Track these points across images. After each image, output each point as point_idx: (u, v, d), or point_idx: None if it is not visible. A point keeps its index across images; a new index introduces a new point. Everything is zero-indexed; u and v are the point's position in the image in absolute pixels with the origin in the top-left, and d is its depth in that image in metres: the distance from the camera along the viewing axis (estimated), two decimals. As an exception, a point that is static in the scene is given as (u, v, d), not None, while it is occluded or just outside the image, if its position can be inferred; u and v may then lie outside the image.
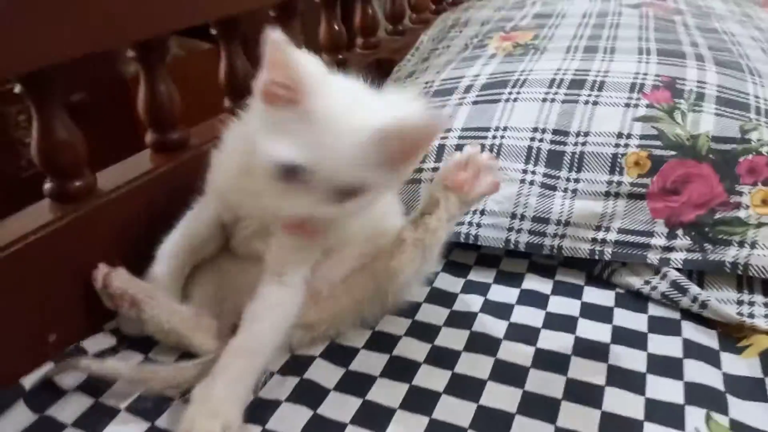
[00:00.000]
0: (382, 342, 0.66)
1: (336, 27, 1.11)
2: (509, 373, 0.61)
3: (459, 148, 0.83)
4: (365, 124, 0.48)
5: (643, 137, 0.77)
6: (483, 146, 0.82)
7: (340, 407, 0.57)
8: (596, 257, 0.75)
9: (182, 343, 0.61)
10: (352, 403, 0.58)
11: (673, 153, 0.75)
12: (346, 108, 0.49)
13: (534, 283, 0.76)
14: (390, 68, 1.21)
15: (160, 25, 0.69)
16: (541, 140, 0.81)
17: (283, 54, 0.46)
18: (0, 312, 0.58)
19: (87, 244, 0.64)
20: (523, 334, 0.67)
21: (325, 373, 0.61)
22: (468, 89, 0.92)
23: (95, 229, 0.65)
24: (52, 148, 0.63)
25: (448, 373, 0.61)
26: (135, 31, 0.66)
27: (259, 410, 0.57)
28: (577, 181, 0.77)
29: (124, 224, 0.67)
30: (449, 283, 0.77)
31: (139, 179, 0.70)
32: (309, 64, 0.49)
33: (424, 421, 0.56)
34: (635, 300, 0.72)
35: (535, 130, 0.81)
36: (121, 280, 0.61)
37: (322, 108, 0.48)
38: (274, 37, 0.46)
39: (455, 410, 0.57)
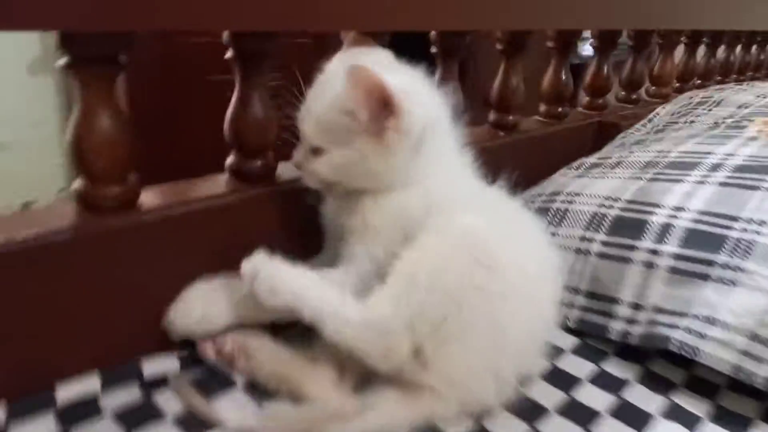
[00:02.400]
0: None
1: (563, 77, 1.00)
2: None
3: (693, 233, 0.66)
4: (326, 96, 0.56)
5: None
6: (724, 237, 0.63)
7: None
8: None
9: (297, 393, 0.53)
10: None
11: None
12: (316, 94, 0.57)
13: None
14: (613, 132, 1.06)
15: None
16: (815, 248, 0.60)
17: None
18: (160, 265, 0.56)
19: (256, 226, 0.60)
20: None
21: None
22: (716, 167, 0.74)
23: (267, 212, 0.60)
24: (245, 123, 0.60)
25: None
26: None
27: None
28: None
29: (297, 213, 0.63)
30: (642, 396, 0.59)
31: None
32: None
33: None
34: None
35: (809, 233, 0.61)
36: (231, 340, 0.56)
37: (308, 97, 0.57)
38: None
39: None
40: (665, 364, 0.64)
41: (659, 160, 0.79)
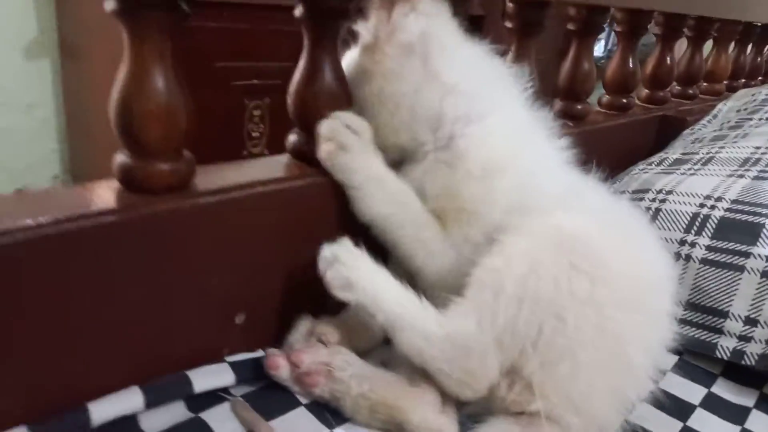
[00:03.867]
0: None
1: (630, 65, 0.92)
2: None
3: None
4: None
5: None
6: None
7: None
8: None
9: (395, 421, 0.44)
10: None
11: None
12: None
13: None
14: (678, 128, 0.98)
15: None
16: None
17: None
18: (217, 255, 0.46)
19: (316, 215, 0.51)
20: None
21: None
22: (831, 166, 0.66)
23: (335, 200, 0.51)
24: (315, 95, 0.50)
25: None
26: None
27: None
28: None
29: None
30: None
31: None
32: None
33: None
34: None
35: None
36: (310, 355, 0.46)
37: None
38: None
39: None
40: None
41: (759, 156, 0.71)
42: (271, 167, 0.51)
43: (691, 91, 1.16)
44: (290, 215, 0.50)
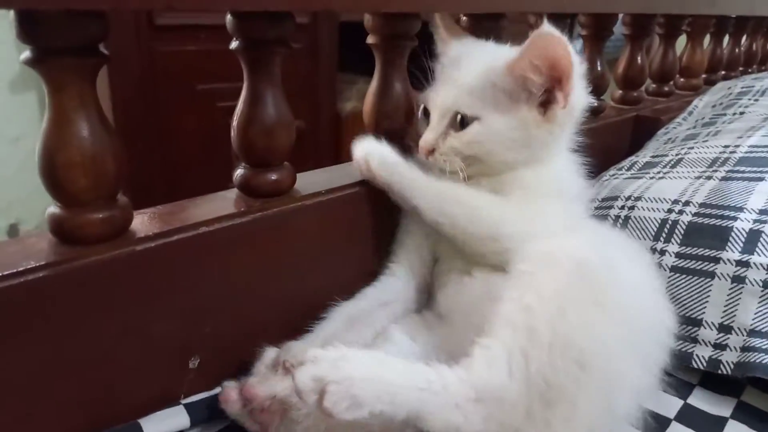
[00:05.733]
0: None
1: (598, 67, 0.91)
2: None
3: (786, 240, 0.56)
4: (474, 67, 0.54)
5: None
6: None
7: None
8: None
9: None
10: None
11: None
12: (459, 70, 0.55)
13: None
14: (651, 128, 0.97)
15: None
16: None
17: None
18: (160, 304, 0.44)
19: (268, 250, 0.49)
20: None
21: None
22: (799, 162, 0.64)
23: (281, 233, 0.50)
24: (256, 128, 0.49)
25: None
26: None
27: None
28: None
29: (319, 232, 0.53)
30: None
31: (344, 189, 0.55)
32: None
33: None
34: None
35: None
36: (264, 391, 0.43)
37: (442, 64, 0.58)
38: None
39: None
40: (762, 396, 0.54)
41: (727, 156, 0.69)
42: (218, 204, 0.50)
43: (666, 89, 1.14)
44: (238, 252, 0.48)
